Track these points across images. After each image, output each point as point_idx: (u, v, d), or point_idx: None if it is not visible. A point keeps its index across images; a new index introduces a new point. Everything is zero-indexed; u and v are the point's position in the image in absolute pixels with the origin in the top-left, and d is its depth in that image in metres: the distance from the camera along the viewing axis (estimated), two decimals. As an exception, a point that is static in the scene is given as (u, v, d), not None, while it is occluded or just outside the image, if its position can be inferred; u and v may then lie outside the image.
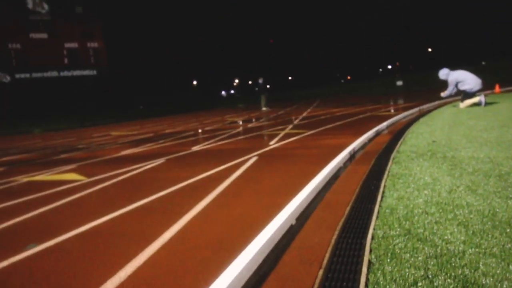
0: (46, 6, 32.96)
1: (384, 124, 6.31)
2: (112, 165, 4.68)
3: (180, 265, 1.68)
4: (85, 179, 3.93)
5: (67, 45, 35.09)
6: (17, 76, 32.81)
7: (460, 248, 1.52)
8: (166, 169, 4.21)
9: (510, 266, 1.34)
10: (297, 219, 2.12)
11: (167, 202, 2.81)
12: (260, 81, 20.72)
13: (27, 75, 33.81)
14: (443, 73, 9.02)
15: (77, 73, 34.05)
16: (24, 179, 4.30)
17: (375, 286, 1.31)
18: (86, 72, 32.98)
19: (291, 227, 2.01)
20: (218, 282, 1.34)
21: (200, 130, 9.37)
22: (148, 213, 2.56)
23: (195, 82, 66.57)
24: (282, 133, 6.71)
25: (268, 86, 21.68)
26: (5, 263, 1.87)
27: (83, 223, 2.40)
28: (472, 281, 1.27)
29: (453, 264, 1.40)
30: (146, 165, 4.43)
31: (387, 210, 2.07)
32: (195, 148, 5.77)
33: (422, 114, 7.94)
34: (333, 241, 1.76)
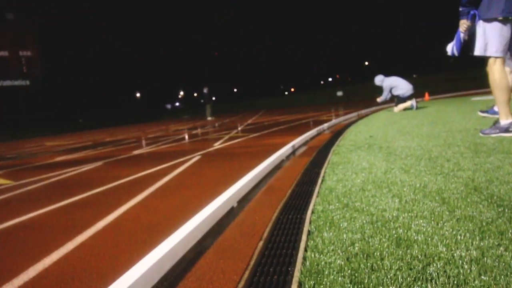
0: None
1: (325, 125, 6.50)
2: (44, 170, 4.39)
3: (113, 248, 1.58)
4: (11, 183, 3.63)
5: (-5, 53, 32.60)
6: None
7: (394, 214, 1.57)
8: (103, 170, 4.01)
9: (439, 224, 1.40)
10: (239, 202, 2.09)
11: (103, 197, 2.66)
12: (205, 90, 20.63)
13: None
14: (378, 80, 9.53)
15: (7, 83, 31.62)
16: None
17: (314, 250, 1.30)
18: (18, 82, 30.80)
19: (232, 208, 1.97)
20: (152, 255, 1.27)
21: (142, 138, 9.09)
22: (81, 207, 2.40)
23: (138, 94, 64.83)
24: (226, 137, 6.69)
25: (214, 98, 21.68)
26: None
27: (6, 220, 2.20)
28: (405, 238, 1.31)
29: (388, 227, 1.44)
30: (81, 168, 4.19)
31: (326, 190, 2.09)
32: (136, 152, 5.57)
33: (360, 118, 8.29)
34: (274, 217, 1.75)
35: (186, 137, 8.18)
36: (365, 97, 21.75)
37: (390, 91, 9.33)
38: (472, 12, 3.29)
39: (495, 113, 4.90)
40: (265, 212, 1.86)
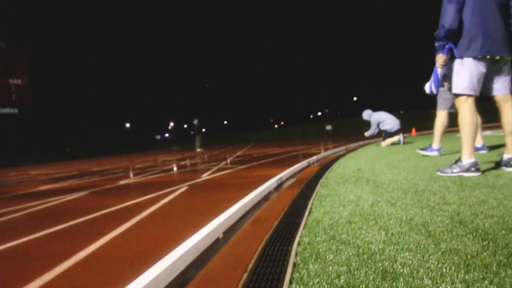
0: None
1: (314, 158, 6.53)
2: (26, 199, 4.29)
3: (92, 279, 1.53)
4: (-7, 211, 3.54)
5: (-15, 81, 32.49)
6: None
7: (380, 247, 1.56)
8: (88, 200, 3.94)
9: (425, 257, 1.39)
10: (224, 233, 2.06)
11: (86, 227, 2.60)
12: (195, 122, 20.72)
13: None
14: (366, 114, 9.71)
15: (-4, 110, 31.35)
16: None
17: (299, 282, 1.28)
18: (6, 110, 30.56)
19: (218, 239, 1.94)
20: (133, 286, 1.23)
21: (130, 168, 9.01)
22: (62, 237, 2.34)
23: (128, 125, 64.75)
24: (215, 168, 6.66)
25: (203, 130, 21.76)
26: None
27: (-16, 248, 2.12)
28: (391, 271, 1.29)
29: (374, 259, 1.42)
30: (65, 198, 4.12)
31: (313, 222, 2.08)
32: (123, 182, 5.50)
33: (348, 151, 8.36)
34: (259, 249, 1.72)
35: (175, 167, 8.13)
36: (354, 131, 22.00)
37: (378, 125, 9.49)
38: (448, 46, 3.27)
39: (433, 151, 5.16)
40: (250, 243, 1.83)
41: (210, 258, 1.68)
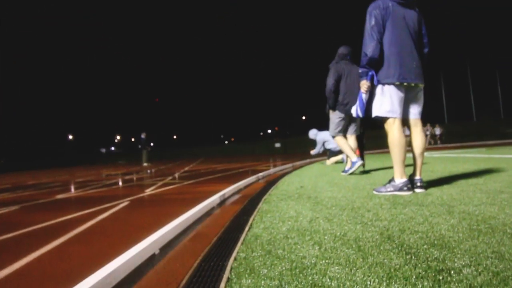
0: None
1: (261, 174, 6.60)
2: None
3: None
4: None
5: None
6: None
7: (313, 261, 1.61)
8: (18, 215, 3.70)
9: (352, 271, 1.45)
10: (161, 248, 2.02)
11: (13, 243, 2.44)
12: (143, 136, 20.23)
13: None
14: (312, 133, 10.03)
15: None
16: None
17: (230, 297, 1.28)
18: None
19: (153, 255, 1.90)
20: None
21: (70, 182, 8.58)
22: (-15, 254, 2.17)
23: (70, 137, 61.78)
24: (160, 183, 6.52)
25: (151, 144, 21.27)
26: None
27: None
28: (320, 284, 1.34)
29: (305, 273, 1.46)
30: (-5, 211, 3.83)
31: (252, 238, 2.10)
32: (60, 196, 5.22)
33: (295, 169, 8.54)
34: (195, 265, 1.71)
35: (118, 182, 7.85)
36: (301, 149, 22.46)
37: (323, 144, 9.82)
38: (370, 73, 3.50)
39: (354, 163, 5.67)
40: (187, 259, 1.82)
41: (143, 274, 1.64)
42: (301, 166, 9.49)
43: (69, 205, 4.40)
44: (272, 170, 7.95)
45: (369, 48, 3.41)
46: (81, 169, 17.93)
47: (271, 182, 5.52)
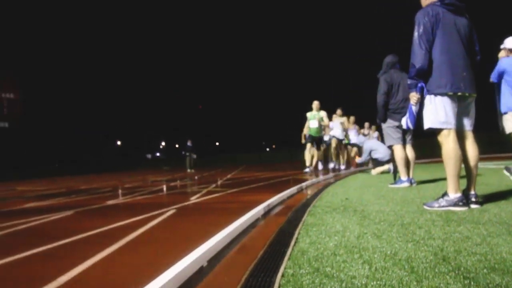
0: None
1: (304, 184, 6.54)
2: (10, 217, 4.23)
3: (72, 306, 1.50)
4: (-25, 228, 3.47)
5: (-23, 95, 32.46)
6: None
7: (363, 282, 1.56)
8: (73, 220, 3.90)
9: (407, 295, 1.40)
10: (209, 261, 2.04)
11: (70, 249, 2.57)
12: (189, 143, 20.82)
13: None
14: (359, 140, 9.84)
15: (-15, 125, 31.12)
16: None
17: (280, 316, 1.28)
18: None
19: (202, 268, 1.93)
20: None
21: (118, 187, 8.93)
22: (44, 260, 2.31)
23: (119, 143, 64.40)
24: (204, 191, 6.63)
25: (195, 151, 21.78)
26: None
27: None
28: (372, 308, 1.30)
29: (356, 295, 1.43)
30: (50, 217, 4.06)
31: (299, 253, 2.08)
32: (110, 202, 5.45)
33: (338, 178, 8.40)
34: (243, 280, 1.71)
35: (164, 188, 8.07)
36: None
37: (370, 153, 9.60)
38: (420, 85, 3.37)
39: (403, 182, 5.39)
40: (235, 273, 1.83)
41: (193, 287, 1.66)
42: (345, 176, 9.32)
43: (119, 212, 4.58)
44: (315, 180, 7.86)
45: (417, 58, 3.30)
46: (129, 174, 18.62)
47: (315, 192, 5.46)
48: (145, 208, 4.53)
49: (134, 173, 19.53)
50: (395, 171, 6.22)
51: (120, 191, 7.76)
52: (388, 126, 5.77)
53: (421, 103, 3.49)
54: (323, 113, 11.20)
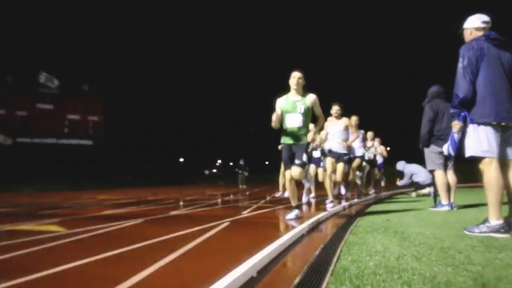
0: (56, 81, 33.86)
1: (346, 203, 6.38)
2: (92, 221, 4.51)
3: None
4: (64, 231, 3.75)
5: (69, 116, 35.52)
6: (19, 140, 32.53)
7: (402, 302, 1.51)
8: (143, 227, 4.08)
9: (445, 318, 1.33)
10: (258, 272, 2.06)
11: (141, 252, 2.70)
12: (241, 162, 21.18)
13: (28, 140, 33.61)
14: (400, 165, 9.47)
15: (75, 141, 33.98)
16: (6, 228, 4.07)
17: (323, 329, 1.26)
18: (83, 142, 33.06)
19: (252, 278, 1.95)
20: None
21: (180, 199, 9.21)
22: (120, 260, 2.44)
23: (181, 159, 66.64)
24: (254, 206, 6.67)
25: (247, 168, 22.03)
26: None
27: (54, 266, 2.26)
28: (411, 328, 1.25)
29: (395, 315, 1.38)
30: (125, 223, 4.28)
31: (340, 270, 2.04)
32: (173, 213, 5.64)
33: (380, 199, 8.09)
34: (289, 292, 1.71)
35: (219, 202, 8.21)
36: (388, 179, 21.30)
37: (411, 177, 9.19)
38: (463, 114, 3.24)
39: (443, 206, 5.05)
40: (281, 285, 1.83)
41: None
42: (386, 198, 8.97)
43: (181, 221, 4.72)
44: (358, 200, 7.63)
45: (461, 89, 3.19)
46: (189, 187, 19.14)
47: (357, 212, 5.31)
48: (203, 219, 4.64)
49: (193, 187, 20.05)
50: (435, 194, 5.89)
51: (181, 202, 8.00)
52: (431, 151, 5.51)
53: (463, 131, 3.34)
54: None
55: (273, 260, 2.38)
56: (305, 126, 4.37)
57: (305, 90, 4.50)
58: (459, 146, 3.44)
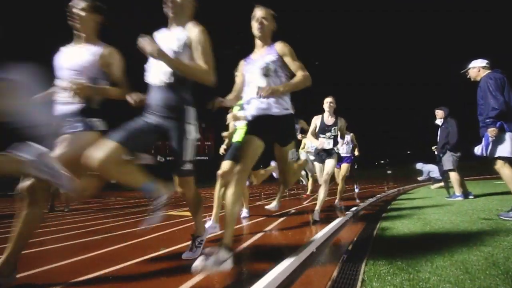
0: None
1: (378, 195, 6.04)
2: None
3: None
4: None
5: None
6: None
7: (427, 276, 1.46)
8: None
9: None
10: (317, 248, 2.09)
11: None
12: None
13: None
14: (419, 165, 8.88)
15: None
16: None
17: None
18: (201, 157, 36.78)
19: (312, 252, 2.00)
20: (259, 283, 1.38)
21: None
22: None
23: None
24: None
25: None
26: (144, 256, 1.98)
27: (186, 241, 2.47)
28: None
29: (421, 285, 1.35)
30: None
31: (378, 250, 2.00)
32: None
33: (404, 192, 7.49)
34: (333, 275, 1.70)
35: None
36: (408, 174, 19.55)
37: (428, 174, 8.47)
38: (499, 123, 2.94)
39: (457, 197, 4.78)
40: (331, 257, 1.84)
41: (303, 270, 1.69)
42: (409, 190, 8.26)
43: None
44: (387, 192, 7.16)
45: (496, 103, 2.92)
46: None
47: (387, 201, 5.01)
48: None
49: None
50: (448, 187, 5.37)
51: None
52: (453, 155, 5.03)
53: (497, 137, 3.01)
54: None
55: (332, 235, 2.40)
56: None
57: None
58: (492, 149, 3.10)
